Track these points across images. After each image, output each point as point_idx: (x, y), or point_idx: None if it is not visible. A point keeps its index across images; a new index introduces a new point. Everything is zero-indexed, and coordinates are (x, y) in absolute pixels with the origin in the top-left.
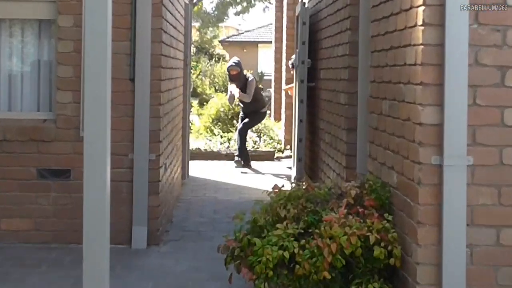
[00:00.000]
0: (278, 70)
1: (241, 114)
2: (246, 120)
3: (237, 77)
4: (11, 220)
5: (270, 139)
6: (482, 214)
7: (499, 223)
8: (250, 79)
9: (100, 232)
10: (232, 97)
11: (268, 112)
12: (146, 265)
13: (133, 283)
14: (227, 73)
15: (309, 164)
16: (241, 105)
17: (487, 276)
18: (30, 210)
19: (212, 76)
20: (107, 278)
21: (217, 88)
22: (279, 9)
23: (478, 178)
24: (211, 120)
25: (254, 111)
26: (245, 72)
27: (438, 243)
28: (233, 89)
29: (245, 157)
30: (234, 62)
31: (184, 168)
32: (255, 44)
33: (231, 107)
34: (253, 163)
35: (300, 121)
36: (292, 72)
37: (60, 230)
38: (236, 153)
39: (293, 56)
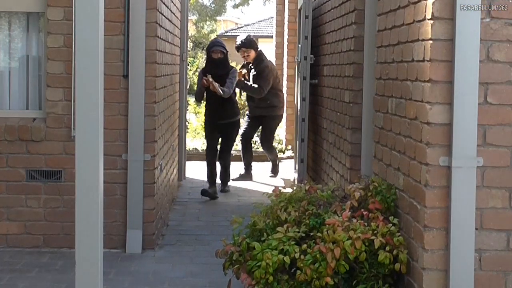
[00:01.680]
0: (279, 66)
1: (247, 117)
2: (262, 130)
3: (220, 62)
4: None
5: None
6: (492, 217)
7: (510, 227)
8: (233, 69)
9: (93, 236)
10: (201, 92)
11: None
12: (141, 270)
13: None
14: (208, 57)
15: (312, 165)
16: (251, 104)
17: (496, 282)
18: (19, 213)
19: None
20: (101, 283)
21: None
22: (280, 1)
23: (488, 180)
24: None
25: (268, 114)
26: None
27: (445, 248)
28: (211, 81)
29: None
30: (220, 43)
31: (181, 169)
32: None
33: (198, 104)
34: (253, 164)
35: (302, 120)
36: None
37: (51, 234)
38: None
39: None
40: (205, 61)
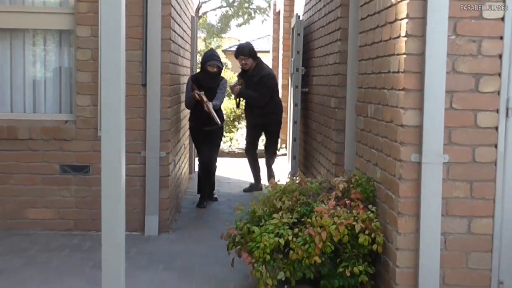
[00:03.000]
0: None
1: (248, 128)
2: (267, 139)
3: (215, 76)
4: (37, 210)
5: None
6: (456, 206)
7: (470, 214)
8: (223, 80)
9: (116, 220)
10: (192, 102)
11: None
12: (157, 250)
13: (146, 266)
14: (203, 68)
15: (303, 161)
16: (251, 113)
17: (459, 260)
18: (53, 201)
19: None
20: (123, 261)
21: None
22: (276, 21)
23: (452, 174)
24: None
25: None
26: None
27: (416, 231)
28: (205, 100)
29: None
30: (217, 57)
31: (191, 164)
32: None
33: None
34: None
35: (294, 122)
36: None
37: (81, 219)
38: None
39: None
40: (199, 70)
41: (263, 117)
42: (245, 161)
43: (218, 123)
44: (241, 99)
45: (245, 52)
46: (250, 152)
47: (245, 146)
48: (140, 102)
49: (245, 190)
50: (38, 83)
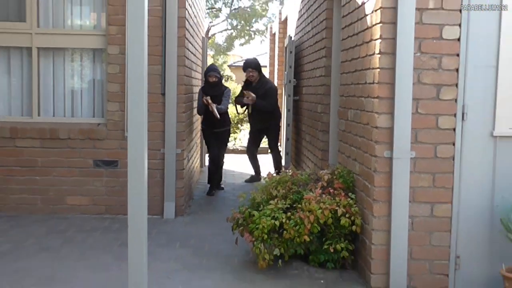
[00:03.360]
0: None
1: (251, 132)
2: (268, 140)
3: (216, 85)
4: (74, 198)
5: (265, 138)
6: (421, 194)
7: (433, 200)
8: (227, 89)
9: (140, 206)
10: (202, 108)
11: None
12: (174, 230)
13: (164, 244)
14: (205, 79)
15: (294, 157)
16: (253, 119)
17: (424, 239)
18: (88, 190)
19: None
20: (146, 240)
21: None
22: (272, 41)
23: (418, 167)
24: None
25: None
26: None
27: (388, 215)
28: (210, 103)
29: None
30: (214, 69)
31: (202, 159)
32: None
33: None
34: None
35: (287, 125)
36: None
37: (111, 205)
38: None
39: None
40: (203, 82)
41: (264, 122)
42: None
43: (217, 117)
44: (248, 106)
45: (252, 65)
46: (251, 151)
47: (247, 145)
48: (160, 108)
49: (246, 181)
50: (76, 93)
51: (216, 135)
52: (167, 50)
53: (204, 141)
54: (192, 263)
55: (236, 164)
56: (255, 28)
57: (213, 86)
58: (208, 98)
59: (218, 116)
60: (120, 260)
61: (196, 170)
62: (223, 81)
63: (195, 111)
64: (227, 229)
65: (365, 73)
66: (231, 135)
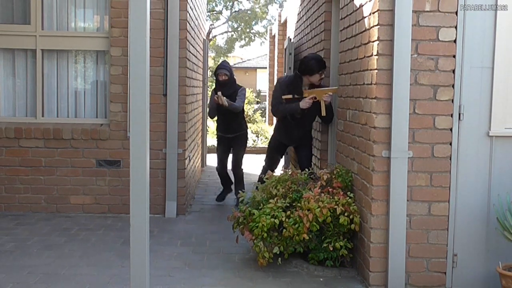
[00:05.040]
0: (271, 88)
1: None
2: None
3: (226, 83)
4: (77, 197)
5: (265, 138)
6: (418, 192)
7: (430, 199)
8: (241, 88)
9: (142, 205)
10: (213, 109)
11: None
12: (175, 229)
13: (166, 242)
14: (216, 78)
15: (293, 156)
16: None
17: (421, 237)
18: (91, 189)
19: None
20: (147, 238)
21: None
22: (272, 43)
23: (416, 166)
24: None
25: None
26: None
27: (386, 214)
28: (220, 95)
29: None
30: (224, 66)
31: (203, 159)
32: (254, 69)
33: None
34: (253, 156)
35: None
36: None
37: (113, 204)
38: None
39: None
40: (215, 82)
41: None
42: (251, 157)
43: (226, 104)
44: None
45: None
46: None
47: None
48: (162, 109)
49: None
50: (79, 93)
51: (231, 140)
52: (169, 52)
53: (216, 148)
54: (193, 261)
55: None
56: (255, 30)
57: (224, 85)
58: (220, 93)
59: (226, 104)
60: (123, 258)
61: (198, 170)
62: (237, 80)
63: (196, 111)
64: (228, 228)
65: (363, 74)
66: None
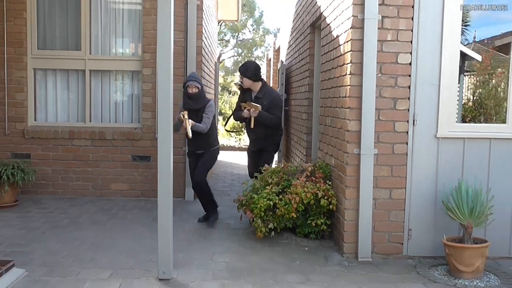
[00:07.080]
0: None
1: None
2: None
3: (196, 97)
4: (117, 184)
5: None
6: (381, 181)
7: (391, 186)
8: (209, 102)
9: (167, 190)
10: (178, 124)
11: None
12: (193, 209)
13: (186, 219)
14: (185, 91)
15: (285, 153)
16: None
17: (384, 216)
18: (128, 178)
19: (230, 103)
20: (171, 216)
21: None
22: (268, 65)
23: (380, 161)
24: (229, 128)
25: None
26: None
27: (357, 197)
28: (186, 117)
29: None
30: (194, 78)
31: None
32: None
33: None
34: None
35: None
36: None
37: (145, 190)
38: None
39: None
40: (183, 95)
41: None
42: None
43: (189, 136)
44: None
45: (241, 70)
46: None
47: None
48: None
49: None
50: (118, 104)
51: (197, 156)
52: (188, 72)
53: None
54: (207, 234)
55: (240, 160)
56: (255, 55)
57: (193, 98)
58: (185, 113)
59: (190, 135)
60: (152, 231)
61: None
62: (205, 92)
63: None
64: (234, 208)
65: (339, 89)
66: (237, 137)
